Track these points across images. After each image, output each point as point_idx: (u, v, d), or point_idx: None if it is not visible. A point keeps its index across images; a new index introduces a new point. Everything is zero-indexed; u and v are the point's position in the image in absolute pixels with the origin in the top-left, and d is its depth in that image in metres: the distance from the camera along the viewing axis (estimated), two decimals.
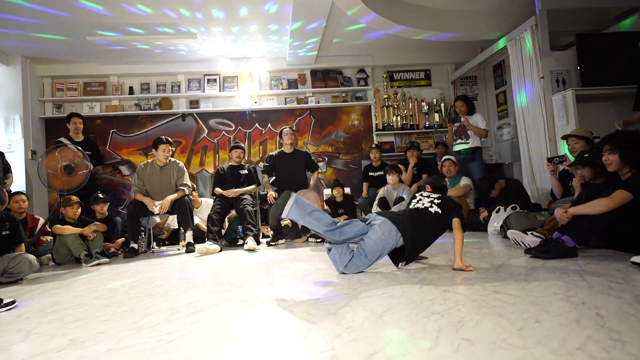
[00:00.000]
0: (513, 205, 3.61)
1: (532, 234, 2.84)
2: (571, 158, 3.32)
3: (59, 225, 3.87)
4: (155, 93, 6.01)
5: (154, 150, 4.39)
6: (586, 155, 2.81)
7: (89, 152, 5.12)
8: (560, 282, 1.78)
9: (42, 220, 4.27)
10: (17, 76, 5.26)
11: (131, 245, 4.11)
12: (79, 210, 4.06)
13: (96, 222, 4.11)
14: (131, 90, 5.95)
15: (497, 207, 3.77)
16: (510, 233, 3.00)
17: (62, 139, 5.04)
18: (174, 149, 5.84)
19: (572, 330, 1.19)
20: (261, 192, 4.86)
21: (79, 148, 4.44)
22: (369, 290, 1.85)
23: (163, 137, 4.41)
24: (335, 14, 4.58)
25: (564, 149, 3.88)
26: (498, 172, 5.73)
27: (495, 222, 3.71)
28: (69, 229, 3.83)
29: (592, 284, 1.70)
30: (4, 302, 2.04)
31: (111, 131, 5.90)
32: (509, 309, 1.42)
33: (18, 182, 4.88)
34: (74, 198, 4.05)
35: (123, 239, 4.47)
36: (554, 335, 1.16)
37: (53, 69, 5.73)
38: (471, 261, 2.43)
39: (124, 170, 5.89)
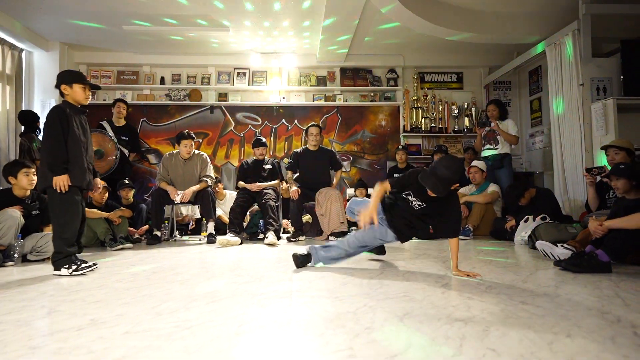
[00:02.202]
0: (543, 215, 3.48)
1: (562, 246, 2.72)
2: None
3: (86, 209, 3.96)
4: (185, 84, 6.10)
5: (176, 144, 4.44)
6: (622, 166, 2.66)
7: (126, 138, 5.25)
8: (593, 297, 1.69)
9: None
10: (55, 62, 5.43)
11: (154, 233, 4.18)
12: (106, 194, 4.16)
13: (122, 208, 4.19)
14: (162, 81, 6.05)
15: (526, 217, 3.64)
16: (539, 244, 2.88)
17: (103, 122, 5.19)
18: (200, 140, 5.94)
19: (606, 348, 1.12)
20: (282, 187, 4.85)
21: (110, 134, 4.55)
22: (390, 292, 1.80)
23: (185, 131, 4.44)
24: (369, 10, 4.52)
25: (601, 159, 3.71)
26: (528, 181, 5.54)
27: (523, 231, 3.58)
28: (95, 213, 3.92)
29: (628, 302, 1.60)
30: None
31: (141, 120, 6.02)
32: (537, 321, 1.35)
33: None
34: (102, 183, 4.14)
35: (147, 226, 4.55)
36: (587, 352, 1.09)
37: (89, 57, 5.89)
38: (496, 270, 2.35)
39: (151, 158, 6.00)
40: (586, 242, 2.63)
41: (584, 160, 4.10)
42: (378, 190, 2.35)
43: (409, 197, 2.31)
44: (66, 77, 2.60)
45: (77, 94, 2.59)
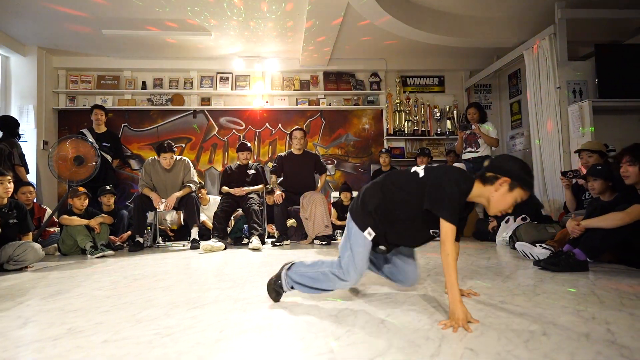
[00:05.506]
0: (523, 216, 3.55)
1: (541, 245, 2.78)
2: None
3: (66, 216, 3.89)
4: (167, 89, 6.03)
5: (156, 156, 4.41)
6: (599, 167, 2.74)
7: (108, 144, 5.18)
8: (570, 295, 1.73)
9: (49, 211, 4.30)
10: (32, 67, 5.32)
11: (136, 239, 4.12)
12: (87, 201, 4.08)
13: (103, 215, 4.12)
14: (144, 85, 5.98)
15: (507, 218, 3.70)
16: (518, 245, 2.94)
17: (84, 130, 5.13)
18: (182, 145, 5.90)
19: (581, 345, 1.15)
20: (267, 187, 4.82)
21: (91, 141, 4.48)
22: (372, 295, 1.82)
23: (165, 143, 4.30)
24: (350, 15, 4.56)
25: (578, 161, 3.80)
26: None
27: (504, 232, 3.65)
28: (75, 220, 3.85)
29: (602, 299, 1.65)
30: None
31: (122, 125, 5.93)
32: (515, 320, 1.38)
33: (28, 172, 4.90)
34: (82, 189, 4.07)
35: (129, 232, 4.48)
36: (562, 349, 1.12)
37: (68, 61, 5.78)
38: (478, 271, 2.38)
39: (134, 164, 5.91)
40: (564, 242, 2.69)
41: (562, 162, 4.19)
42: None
43: None
44: None
45: None
